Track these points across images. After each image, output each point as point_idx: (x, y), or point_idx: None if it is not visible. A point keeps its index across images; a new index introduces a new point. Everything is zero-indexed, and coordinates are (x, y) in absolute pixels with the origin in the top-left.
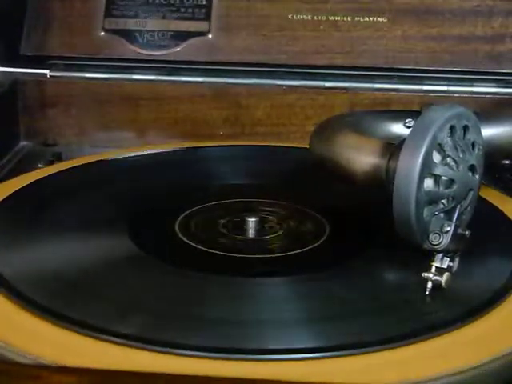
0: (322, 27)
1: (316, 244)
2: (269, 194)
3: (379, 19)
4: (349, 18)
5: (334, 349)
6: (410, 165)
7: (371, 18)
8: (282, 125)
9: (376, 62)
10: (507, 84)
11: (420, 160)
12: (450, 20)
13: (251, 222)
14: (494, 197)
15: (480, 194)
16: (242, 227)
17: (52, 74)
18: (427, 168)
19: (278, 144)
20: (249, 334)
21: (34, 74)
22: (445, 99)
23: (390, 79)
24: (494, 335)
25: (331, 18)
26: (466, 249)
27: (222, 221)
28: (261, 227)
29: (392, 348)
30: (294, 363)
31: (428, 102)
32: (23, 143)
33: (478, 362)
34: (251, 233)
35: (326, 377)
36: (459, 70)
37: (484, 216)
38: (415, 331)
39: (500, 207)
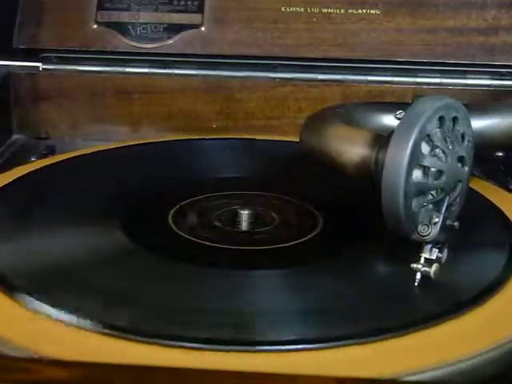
0: (315, 20)
1: (309, 237)
2: (262, 186)
3: (372, 11)
4: (342, 11)
5: (325, 340)
6: (398, 156)
7: (364, 11)
8: (276, 118)
9: (369, 54)
10: (501, 76)
11: (408, 151)
12: (444, 12)
13: (244, 214)
14: (487, 189)
15: (473, 186)
16: (235, 220)
17: (44, 66)
18: (416, 159)
19: (271, 137)
20: (241, 325)
21: (26, 67)
22: (438, 91)
23: (383, 72)
24: (487, 327)
25: (324, 10)
26: (459, 241)
27: (216, 213)
28: (254, 220)
29: (382, 340)
30: (285, 355)
31: (421, 95)
32: (16, 136)
33: (470, 354)
34: (244, 225)
35: (317, 368)
36: (453, 62)
37: (477, 208)
38: (406, 323)
39: (493, 199)
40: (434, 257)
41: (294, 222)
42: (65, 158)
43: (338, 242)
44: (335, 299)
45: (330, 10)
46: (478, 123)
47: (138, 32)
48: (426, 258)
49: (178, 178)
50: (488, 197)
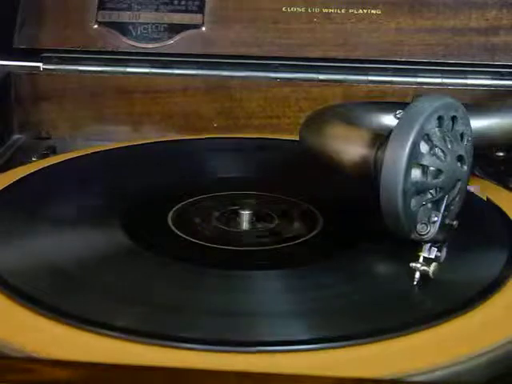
0: (315, 20)
1: (309, 236)
2: (262, 186)
3: (373, 11)
4: (343, 11)
5: (325, 341)
6: (396, 155)
7: (365, 11)
8: (276, 117)
9: (370, 54)
10: (501, 76)
11: (407, 150)
12: (444, 12)
13: (244, 214)
14: (487, 188)
15: (473, 185)
16: (235, 220)
17: (45, 66)
18: (414, 158)
19: (271, 137)
20: (241, 326)
21: (27, 67)
22: (439, 91)
23: (384, 71)
24: (487, 327)
25: (325, 10)
26: (458, 240)
27: (216, 213)
28: (254, 220)
29: (382, 340)
30: (285, 355)
31: (421, 94)
32: (17, 136)
33: (470, 355)
34: (244, 225)
35: (317, 369)
36: (453, 62)
37: (477, 207)
38: (405, 323)
39: (493, 198)
40: (432, 256)
41: (294, 222)
42: (65, 158)
43: (338, 241)
44: (335, 299)
45: (330, 10)
46: (478, 123)
47: (139, 32)
48: (424, 257)
49: (178, 178)
50: (488, 195)
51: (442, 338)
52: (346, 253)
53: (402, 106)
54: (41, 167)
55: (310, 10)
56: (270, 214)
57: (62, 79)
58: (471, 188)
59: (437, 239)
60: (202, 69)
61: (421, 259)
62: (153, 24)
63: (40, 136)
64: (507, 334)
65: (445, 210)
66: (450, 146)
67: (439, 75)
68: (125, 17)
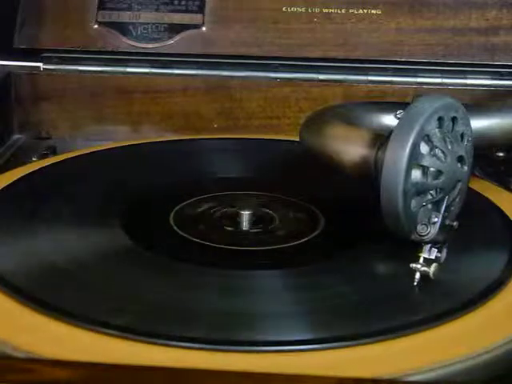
0: (315, 20)
1: (310, 237)
2: (262, 186)
3: (373, 11)
4: (343, 11)
5: (326, 341)
6: (397, 156)
7: (365, 11)
8: (276, 117)
9: (370, 54)
10: (501, 76)
11: (407, 151)
12: (444, 12)
13: (245, 214)
14: (487, 188)
15: (473, 186)
16: (235, 220)
17: (45, 66)
18: (415, 159)
19: (272, 137)
20: (242, 325)
21: (27, 67)
22: (439, 91)
23: (384, 71)
24: (487, 327)
25: (325, 10)
26: (459, 241)
27: (216, 213)
28: (254, 220)
29: (382, 340)
30: (286, 355)
31: (421, 94)
32: (17, 136)
33: (470, 355)
34: (245, 225)
35: (318, 369)
36: (453, 62)
37: (477, 207)
38: (405, 323)
39: (493, 199)
40: (433, 257)
41: (294, 222)
42: (65, 157)
43: (339, 241)
44: (335, 299)
45: (330, 10)
46: (478, 123)
47: (139, 32)
48: (425, 258)
49: (179, 177)
50: (488, 196)
51: (442, 338)
52: (346, 253)
53: (402, 106)
54: (41, 167)
55: (310, 10)
56: (270, 214)
57: (62, 79)
58: None
59: (437, 240)
60: (201, 69)
61: (421, 260)
62: (153, 24)
63: (40, 136)
64: (507, 335)
65: (445, 211)
66: (450, 147)
67: (439, 75)
68: (125, 17)
